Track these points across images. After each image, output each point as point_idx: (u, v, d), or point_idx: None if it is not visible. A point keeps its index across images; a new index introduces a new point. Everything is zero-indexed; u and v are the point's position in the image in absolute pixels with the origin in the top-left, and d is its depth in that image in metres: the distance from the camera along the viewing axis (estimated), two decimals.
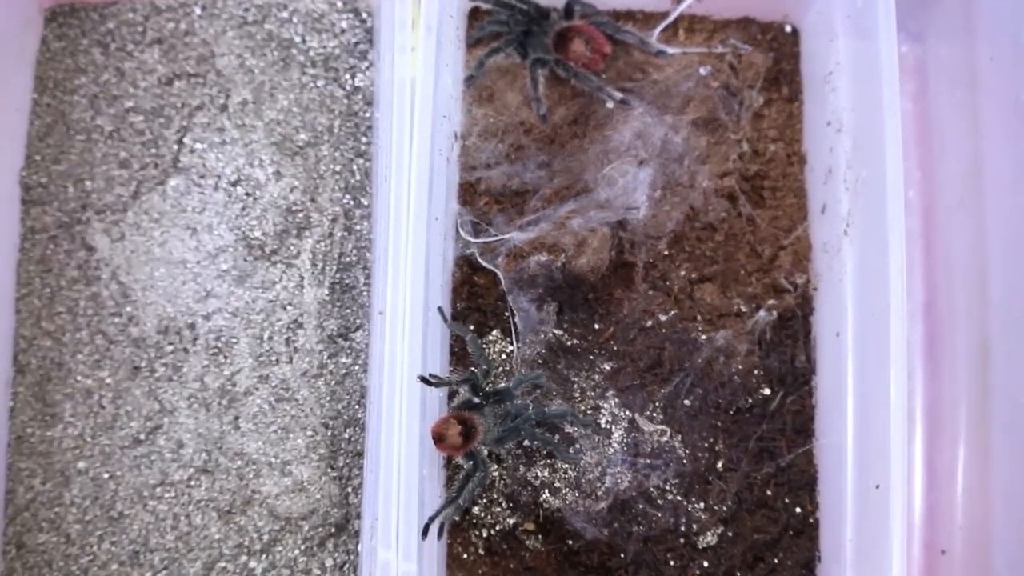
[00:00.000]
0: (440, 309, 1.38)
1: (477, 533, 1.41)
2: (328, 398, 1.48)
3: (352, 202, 1.54)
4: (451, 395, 1.39)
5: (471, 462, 1.33)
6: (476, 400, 1.35)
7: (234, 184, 1.54)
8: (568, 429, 1.39)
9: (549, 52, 1.50)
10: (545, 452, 1.38)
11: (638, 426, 1.40)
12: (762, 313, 1.46)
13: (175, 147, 1.55)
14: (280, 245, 1.52)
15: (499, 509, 1.40)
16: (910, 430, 1.44)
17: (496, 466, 1.40)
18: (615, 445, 1.39)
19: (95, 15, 1.59)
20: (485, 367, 1.36)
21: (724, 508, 1.40)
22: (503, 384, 1.39)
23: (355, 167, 1.56)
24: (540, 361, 1.42)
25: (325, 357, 1.49)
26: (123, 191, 1.53)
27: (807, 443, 1.45)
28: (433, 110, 1.38)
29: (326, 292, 1.51)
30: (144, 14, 1.59)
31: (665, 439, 1.40)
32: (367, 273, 1.52)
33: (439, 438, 1.28)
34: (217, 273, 1.51)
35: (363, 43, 1.60)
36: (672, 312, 1.46)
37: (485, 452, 1.35)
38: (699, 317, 1.47)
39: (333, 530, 1.45)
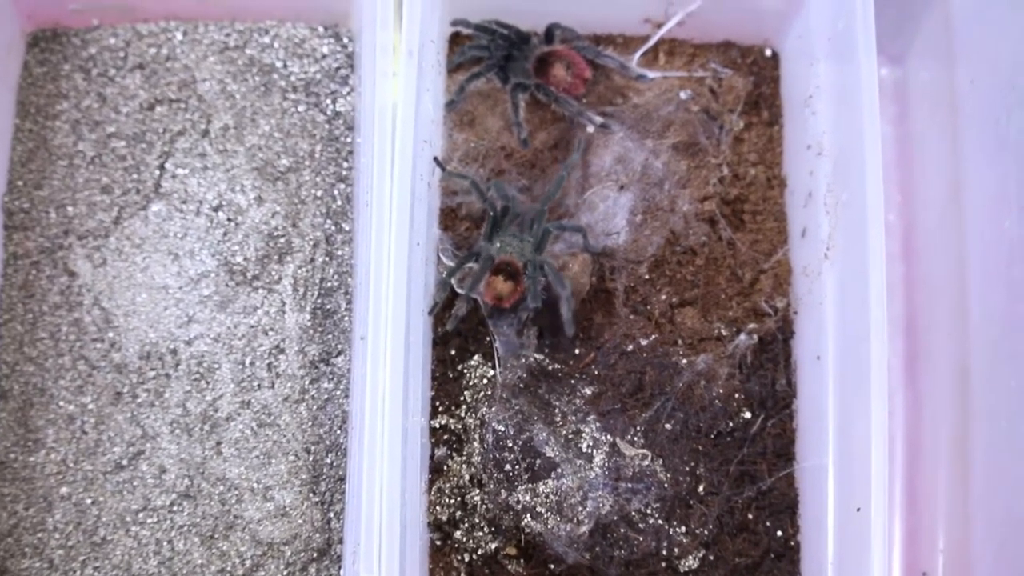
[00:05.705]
0: (436, 158, 1.44)
1: (459, 558, 1.41)
2: (310, 423, 1.48)
3: (333, 227, 1.55)
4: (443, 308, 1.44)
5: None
6: (492, 249, 1.41)
7: (216, 209, 1.54)
8: (549, 454, 1.38)
9: (530, 77, 1.50)
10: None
11: (619, 450, 1.40)
12: (743, 337, 1.47)
13: (157, 172, 1.55)
14: (262, 270, 1.52)
15: (480, 534, 1.40)
16: (891, 452, 1.44)
17: (478, 490, 1.40)
18: (596, 469, 1.38)
19: (77, 40, 1.59)
20: (505, 196, 1.44)
21: (705, 532, 1.40)
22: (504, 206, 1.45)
23: (336, 192, 1.56)
24: (522, 385, 1.42)
25: (307, 382, 1.49)
26: (105, 216, 1.53)
27: (788, 466, 1.46)
28: (414, 135, 1.38)
29: (308, 317, 1.51)
30: (126, 39, 1.59)
31: (646, 463, 1.40)
32: (348, 298, 1.52)
33: (499, 298, 1.38)
34: (199, 298, 1.51)
35: (344, 68, 1.60)
36: (653, 336, 1.46)
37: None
38: (680, 341, 1.47)
39: (315, 555, 1.45)
